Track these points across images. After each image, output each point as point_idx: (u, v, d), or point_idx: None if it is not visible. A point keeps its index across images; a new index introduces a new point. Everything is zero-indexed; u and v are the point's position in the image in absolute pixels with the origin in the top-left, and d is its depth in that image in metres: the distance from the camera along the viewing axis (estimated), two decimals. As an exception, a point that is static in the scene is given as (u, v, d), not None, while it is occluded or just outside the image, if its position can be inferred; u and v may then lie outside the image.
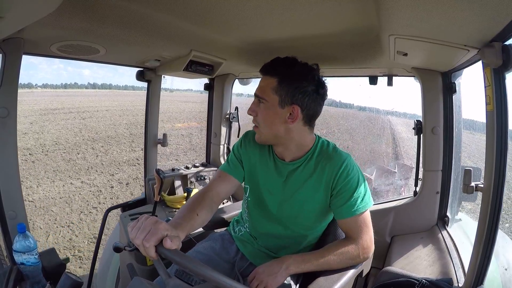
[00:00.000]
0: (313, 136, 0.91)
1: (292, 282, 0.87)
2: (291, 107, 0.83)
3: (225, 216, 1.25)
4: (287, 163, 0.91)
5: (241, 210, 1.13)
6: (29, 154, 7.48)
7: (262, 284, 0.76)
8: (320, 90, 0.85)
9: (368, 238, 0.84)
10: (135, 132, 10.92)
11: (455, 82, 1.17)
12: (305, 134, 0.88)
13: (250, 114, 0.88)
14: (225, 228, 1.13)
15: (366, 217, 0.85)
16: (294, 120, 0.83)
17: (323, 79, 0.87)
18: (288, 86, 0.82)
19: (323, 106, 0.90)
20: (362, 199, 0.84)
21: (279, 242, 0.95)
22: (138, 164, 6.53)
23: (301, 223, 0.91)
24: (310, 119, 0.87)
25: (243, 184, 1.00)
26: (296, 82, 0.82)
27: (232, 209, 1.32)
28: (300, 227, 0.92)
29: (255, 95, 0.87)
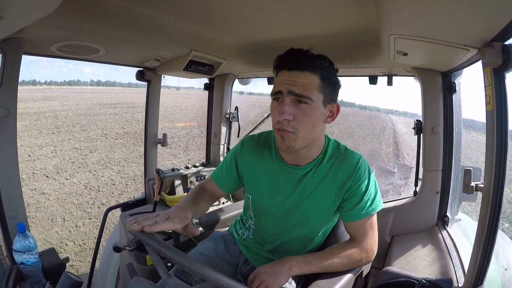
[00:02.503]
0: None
1: (293, 283, 0.86)
2: (332, 105, 0.78)
3: (225, 216, 1.24)
4: (297, 167, 0.83)
5: (242, 210, 1.12)
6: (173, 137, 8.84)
7: (263, 285, 0.73)
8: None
9: (373, 242, 0.83)
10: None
11: (455, 81, 1.17)
12: (324, 131, 0.83)
13: (286, 119, 0.72)
14: (226, 228, 1.12)
15: (373, 221, 0.83)
16: (333, 118, 0.78)
17: None
18: (328, 83, 0.75)
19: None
20: (372, 202, 0.81)
21: (284, 246, 0.92)
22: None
23: (308, 229, 0.88)
24: None
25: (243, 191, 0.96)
26: (333, 77, 0.76)
27: (232, 209, 1.31)
28: (307, 232, 0.89)
29: (293, 93, 0.72)
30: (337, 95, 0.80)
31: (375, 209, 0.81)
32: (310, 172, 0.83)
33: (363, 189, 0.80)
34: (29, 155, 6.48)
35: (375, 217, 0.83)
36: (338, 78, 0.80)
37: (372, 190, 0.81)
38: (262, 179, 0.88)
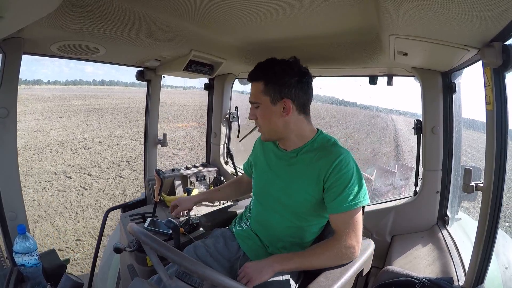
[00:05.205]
0: (312, 128, 0.96)
1: (292, 282, 0.88)
2: (282, 102, 0.90)
3: (226, 216, 1.24)
4: (285, 151, 0.98)
5: (243, 210, 1.15)
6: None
7: (246, 278, 0.81)
8: (303, 79, 0.91)
9: (354, 236, 0.83)
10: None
11: (455, 81, 1.17)
12: (302, 123, 0.94)
13: (251, 119, 0.97)
14: (227, 227, 1.14)
15: (356, 215, 0.84)
16: (288, 112, 0.90)
17: (304, 67, 0.93)
18: (273, 85, 0.89)
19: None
20: (355, 196, 0.84)
21: (279, 237, 0.95)
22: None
23: (297, 213, 0.93)
24: (302, 107, 0.93)
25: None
26: (279, 79, 0.89)
27: (232, 210, 1.31)
28: (296, 217, 0.93)
29: (250, 102, 0.95)
30: (289, 92, 0.89)
31: (358, 203, 0.84)
32: (297, 157, 0.95)
33: (345, 182, 0.84)
34: (174, 134, 8.74)
35: (358, 214, 0.85)
36: (292, 76, 0.90)
37: (355, 185, 0.85)
38: (262, 160, 1.06)
